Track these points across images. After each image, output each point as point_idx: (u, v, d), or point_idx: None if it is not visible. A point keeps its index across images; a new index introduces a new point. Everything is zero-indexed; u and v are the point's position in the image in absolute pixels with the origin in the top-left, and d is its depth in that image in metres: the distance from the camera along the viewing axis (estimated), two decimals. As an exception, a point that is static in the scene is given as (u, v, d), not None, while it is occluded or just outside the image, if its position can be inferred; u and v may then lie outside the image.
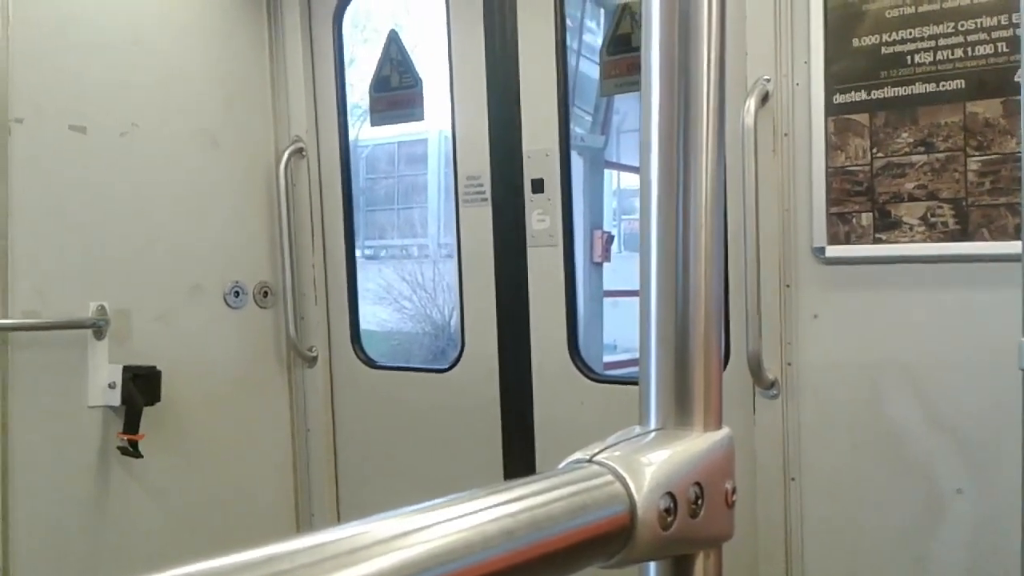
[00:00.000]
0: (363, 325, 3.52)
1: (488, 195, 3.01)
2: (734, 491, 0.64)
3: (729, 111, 0.77)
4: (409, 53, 3.29)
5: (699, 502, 0.60)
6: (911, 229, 2.27)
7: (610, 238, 6.35)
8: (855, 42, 2.32)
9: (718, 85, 0.65)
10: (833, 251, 2.37)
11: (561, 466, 0.59)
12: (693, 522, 0.60)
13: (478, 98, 3.00)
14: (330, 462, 3.45)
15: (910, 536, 2.29)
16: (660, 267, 0.64)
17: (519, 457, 3.00)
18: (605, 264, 6.18)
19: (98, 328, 2.82)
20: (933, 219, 2.25)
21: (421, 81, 3.27)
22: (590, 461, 0.58)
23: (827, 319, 2.38)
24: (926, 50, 2.24)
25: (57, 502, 2.78)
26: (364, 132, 3.74)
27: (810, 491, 2.41)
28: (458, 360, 3.15)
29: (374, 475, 3.38)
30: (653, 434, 0.63)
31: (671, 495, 0.58)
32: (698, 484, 0.60)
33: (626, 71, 2.72)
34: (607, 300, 6.61)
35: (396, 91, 3.28)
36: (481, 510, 0.51)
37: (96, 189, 2.88)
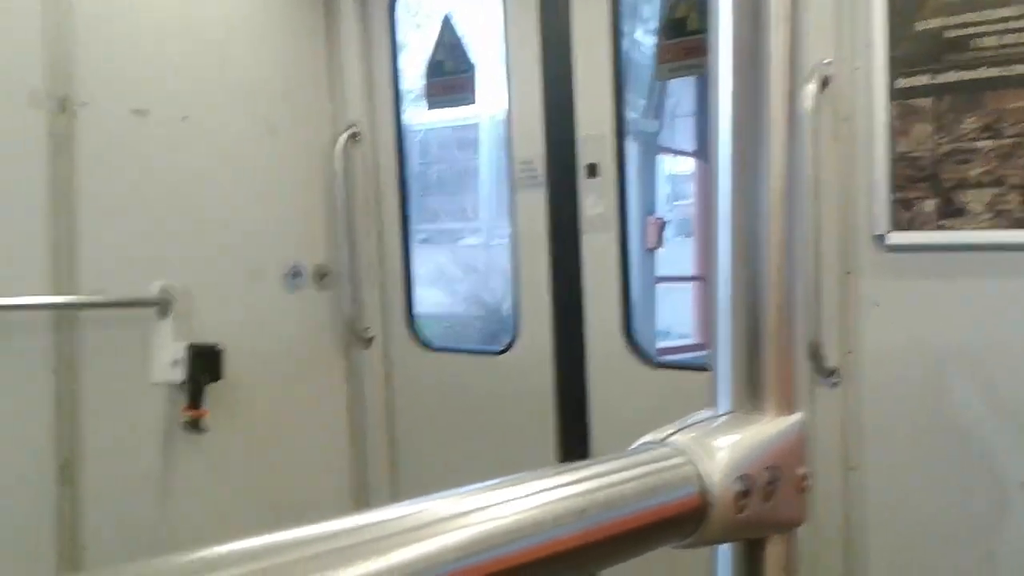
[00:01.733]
0: (420, 308, 3.55)
1: (542, 179, 3.01)
2: (807, 476, 0.64)
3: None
4: (462, 38, 3.30)
5: (773, 486, 0.61)
6: (976, 216, 2.22)
7: (663, 224, 6.32)
8: (918, 25, 2.27)
9: (789, 69, 0.65)
10: (895, 238, 2.33)
11: (632, 447, 0.59)
12: (766, 506, 0.60)
13: (532, 82, 3.00)
14: (386, 442, 3.49)
15: (976, 528, 2.25)
16: (733, 251, 0.64)
17: (573, 441, 3.02)
18: (658, 250, 6.14)
19: (162, 307, 2.88)
20: (1000, 206, 2.20)
21: (474, 66, 3.28)
22: (663, 443, 0.58)
23: (889, 307, 2.35)
24: (992, 33, 2.19)
25: (124, 474, 2.86)
26: (417, 117, 3.77)
27: (871, 481, 2.39)
28: (512, 343, 3.17)
29: (430, 456, 3.42)
30: (725, 417, 0.63)
31: (745, 478, 0.58)
32: (772, 468, 0.61)
33: (682, 55, 2.69)
34: (659, 287, 6.58)
35: (450, 76, 3.30)
36: (553, 488, 0.52)
37: (159, 172, 2.94)
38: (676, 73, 2.75)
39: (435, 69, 3.32)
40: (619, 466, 0.54)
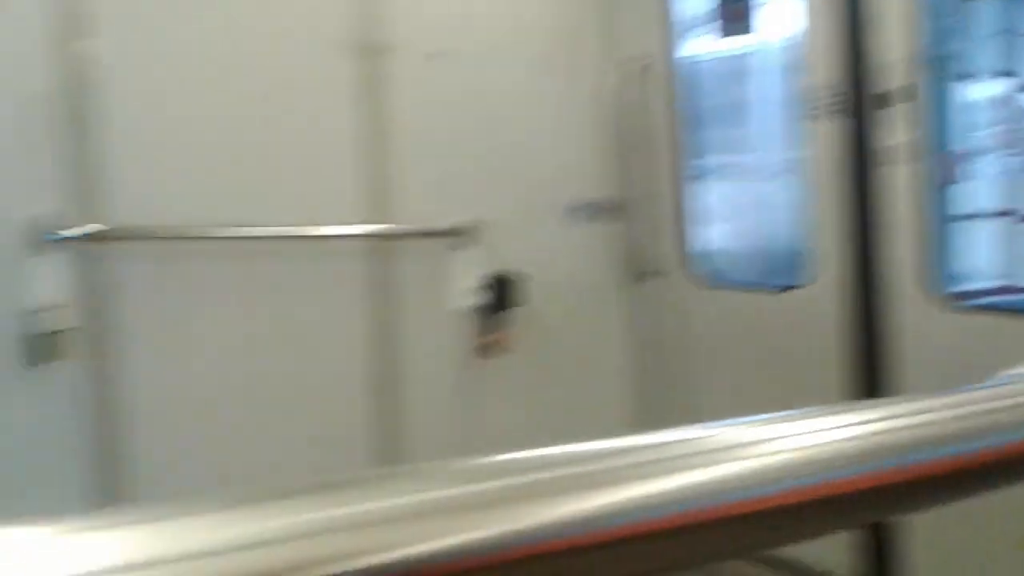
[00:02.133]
0: (699, 244, 3.53)
1: (837, 108, 2.86)
2: None
3: None
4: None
5: None
6: None
7: (962, 156, 5.76)
8: None
9: None
10: None
11: (1000, 378, 0.58)
12: None
13: (829, 5, 2.83)
14: (666, 377, 3.53)
15: None
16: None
17: (863, 386, 2.89)
18: (956, 185, 5.62)
19: (464, 238, 3.08)
20: None
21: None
22: (1037, 375, 0.57)
23: None
24: None
25: (430, 395, 3.10)
26: (700, 46, 3.69)
27: None
28: (800, 281, 3.07)
29: (708, 392, 3.42)
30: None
31: None
32: None
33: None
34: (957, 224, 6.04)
35: (738, 3, 3.19)
36: (928, 411, 0.52)
37: (456, 111, 3.11)
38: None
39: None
40: (998, 393, 0.54)
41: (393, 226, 2.99)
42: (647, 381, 3.55)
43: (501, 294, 3.11)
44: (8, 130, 2.37)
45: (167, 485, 2.55)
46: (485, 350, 3.11)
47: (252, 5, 2.81)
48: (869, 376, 2.87)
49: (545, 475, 0.49)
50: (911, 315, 2.76)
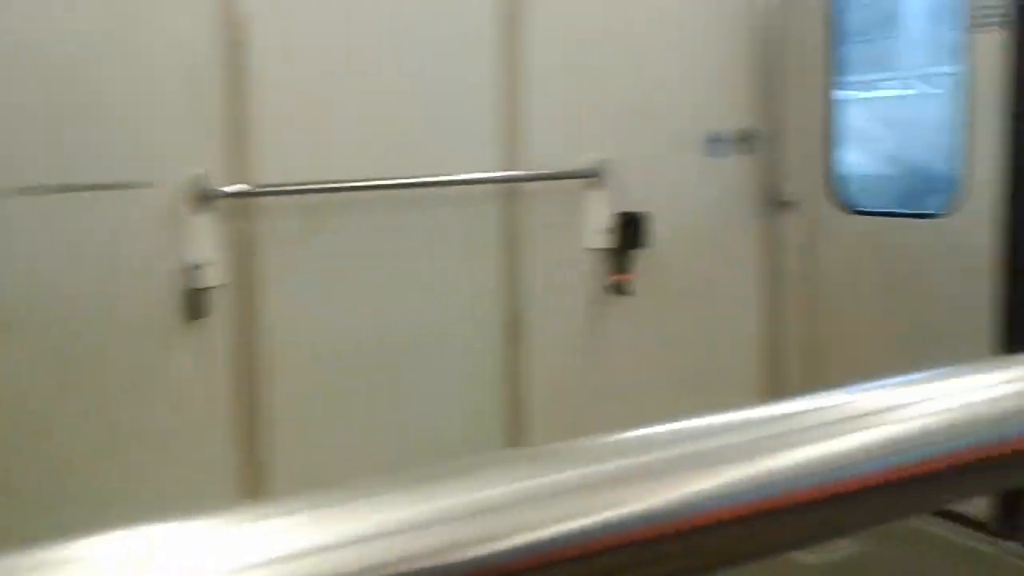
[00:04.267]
0: (844, 169, 3.37)
1: (1003, 17, 2.63)
2: None
3: None
4: None
5: None
6: None
7: None
8: None
9: None
10: None
11: None
12: None
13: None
14: (806, 312, 3.42)
15: None
16: None
17: (1019, 320, 2.71)
18: None
19: (595, 178, 3.05)
20: None
21: None
22: None
23: None
24: None
25: (560, 333, 3.12)
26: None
27: None
28: (953, 206, 2.89)
29: (852, 328, 3.29)
30: None
31: None
32: None
33: None
34: None
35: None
36: None
37: (592, 46, 3.04)
38: None
39: None
40: None
41: (526, 171, 2.98)
42: (785, 318, 3.45)
43: (634, 232, 3.07)
44: (173, 91, 2.48)
45: (305, 439, 2.68)
46: (619, 289, 3.09)
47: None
48: (1020, 313, 2.69)
49: (689, 448, 0.48)
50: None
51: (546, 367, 3.07)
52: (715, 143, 3.28)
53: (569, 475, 0.48)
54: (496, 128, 2.93)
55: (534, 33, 2.93)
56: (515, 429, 3.01)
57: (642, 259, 3.12)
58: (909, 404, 0.44)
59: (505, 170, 2.96)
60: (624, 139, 3.10)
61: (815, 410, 0.46)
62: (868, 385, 0.48)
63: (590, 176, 3.04)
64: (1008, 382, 0.46)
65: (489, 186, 2.99)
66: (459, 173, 2.90)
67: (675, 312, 3.28)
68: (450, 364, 2.93)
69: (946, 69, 3.03)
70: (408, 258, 2.85)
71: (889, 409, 0.44)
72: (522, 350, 3.03)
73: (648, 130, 3.16)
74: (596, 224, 3.08)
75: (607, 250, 3.11)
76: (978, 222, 2.79)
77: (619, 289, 3.11)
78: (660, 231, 3.14)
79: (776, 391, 3.43)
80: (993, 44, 2.67)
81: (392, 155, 2.78)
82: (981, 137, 2.77)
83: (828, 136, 3.29)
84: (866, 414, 0.44)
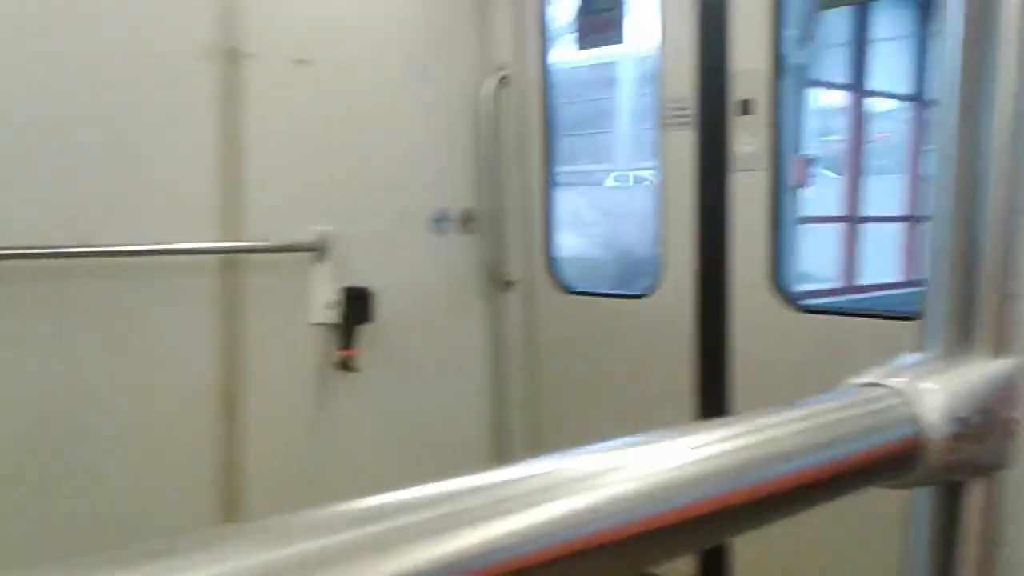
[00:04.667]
0: (561, 252, 3.57)
1: (692, 118, 2.95)
2: (1018, 421, 0.63)
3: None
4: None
5: (984, 429, 0.59)
6: None
7: (809, 162, 6.07)
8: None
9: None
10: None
11: (844, 388, 0.59)
12: (977, 448, 0.59)
13: (686, 17, 2.92)
14: (526, 384, 3.56)
15: None
16: (954, 190, 0.62)
17: (714, 386, 2.99)
18: (802, 190, 5.92)
19: (319, 251, 3.01)
20: None
21: (624, 2, 3.21)
22: (878, 384, 0.57)
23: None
24: None
25: (283, 410, 3.02)
26: (559, 57, 3.74)
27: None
28: (656, 287, 3.15)
29: (568, 397, 3.47)
30: (938, 359, 0.62)
31: (960, 420, 0.57)
32: (985, 412, 0.59)
33: (843, -17, 2.56)
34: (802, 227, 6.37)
35: (601, 13, 3.24)
36: (776, 425, 0.52)
37: (318, 120, 3.04)
38: (841, 1, 2.62)
39: (586, 7, 3.28)
40: (842, 405, 0.54)
41: (246, 242, 2.88)
42: (508, 391, 3.57)
43: (360, 307, 3.05)
44: None
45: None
46: (344, 364, 3.05)
47: (105, 7, 2.64)
48: (718, 377, 2.96)
49: (393, 523, 0.45)
50: (759, 317, 2.87)
51: (266, 446, 2.94)
52: (440, 222, 3.36)
53: (272, 555, 0.43)
54: (215, 197, 2.82)
55: (256, 102, 2.88)
56: (231, 511, 2.83)
57: (368, 335, 3.11)
58: (611, 470, 0.46)
59: (225, 241, 2.84)
60: (349, 214, 3.10)
61: (517, 480, 0.46)
62: (570, 452, 0.48)
63: (314, 250, 3.00)
64: (771, 427, 0.50)
65: (208, 257, 2.85)
66: (174, 242, 2.74)
67: (401, 387, 3.28)
68: (158, 445, 2.72)
69: (648, 164, 3.33)
70: (118, 330, 2.64)
71: (593, 475, 0.45)
72: (239, 428, 2.89)
73: (374, 206, 3.19)
74: (321, 299, 3.03)
75: (332, 325, 3.06)
76: (676, 301, 3.05)
77: (345, 365, 3.06)
78: (386, 306, 3.15)
79: (502, 461, 3.51)
80: (684, 142, 2.98)
81: (103, 218, 2.58)
82: (675, 225, 3.05)
83: (547, 221, 3.48)
84: (570, 481, 0.45)
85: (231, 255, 2.87)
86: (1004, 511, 0.66)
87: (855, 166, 8.01)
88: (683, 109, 2.97)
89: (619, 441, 0.47)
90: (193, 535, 0.42)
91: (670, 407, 3.04)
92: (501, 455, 3.49)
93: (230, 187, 2.84)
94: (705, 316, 3.00)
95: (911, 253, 8.38)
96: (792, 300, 2.84)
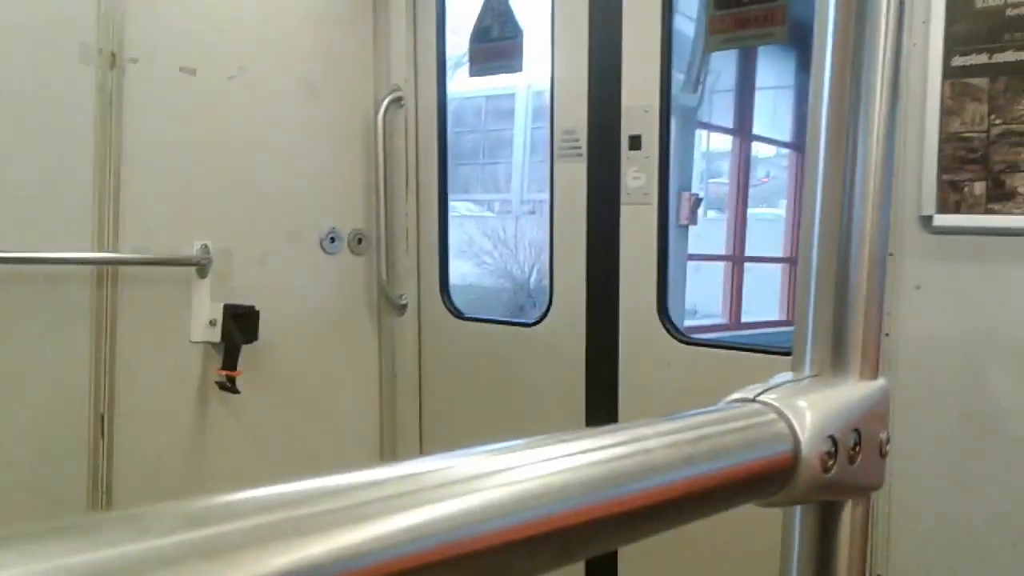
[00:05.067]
0: (453, 277, 3.56)
1: (584, 150, 3.00)
2: (888, 441, 0.64)
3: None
4: (510, 3, 3.27)
5: (856, 449, 0.60)
6: (1027, 200, 2.19)
7: (697, 201, 6.27)
8: (978, 2, 2.22)
9: (896, 36, 0.64)
10: (942, 220, 2.29)
11: (720, 404, 0.59)
12: (850, 468, 0.60)
13: (579, 51, 2.97)
14: (415, 408, 3.52)
15: (1007, 515, 2.23)
16: (824, 214, 0.63)
17: (601, 414, 3.02)
18: (690, 227, 6.11)
19: (201, 267, 2.91)
20: (1052, 191, 2.16)
21: (522, 32, 3.24)
22: (753, 400, 0.58)
23: (931, 290, 2.32)
24: (1055, 13, 2.14)
25: (158, 430, 2.90)
26: (455, 85, 3.76)
27: (904, 461, 2.37)
28: (546, 315, 3.17)
29: (458, 423, 3.44)
30: (811, 379, 0.63)
31: (833, 439, 0.58)
32: (856, 431, 0.61)
33: (733, 26, 2.66)
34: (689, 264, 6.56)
35: (496, 42, 3.27)
36: (649, 437, 0.51)
37: (203, 131, 2.95)
38: (728, 44, 2.72)
39: (481, 35, 3.30)
40: (717, 419, 0.54)
41: (124, 254, 2.76)
42: (398, 415, 3.52)
43: (242, 327, 2.96)
44: None
45: None
46: (226, 384, 2.94)
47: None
48: (607, 407, 3.00)
49: (245, 523, 0.42)
50: (648, 347, 2.92)
51: (139, 467, 2.82)
52: (330, 241, 3.30)
53: (141, 546, 0.39)
54: (90, 205, 2.70)
55: (137, 109, 2.78)
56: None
57: (252, 354, 3.01)
58: (566, 455, 0.46)
59: (100, 251, 2.72)
60: (235, 229, 3.02)
61: (388, 480, 0.44)
62: (444, 455, 0.47)
63: (197, 264, 2.90)
64: (649, 438, 0.49)
65: (82, 268, 2.72)
66: (46, 250, 2.61)
67: (286, 409, 3.19)
68: (25, 464, 2.58)
69: (541, 195, 3.35)
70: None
71: (466, 479, 0.44)
72: (113, 448, 2.76)
73: (261, 222, 3.11)
74: (202, 316, 2.93)
75: (214, 344, 2.95)
76: (567, 329, 3.08)
77: (226, 385, 2.96)
78: (272, 326, 3.06)
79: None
80: (576, 173, 3.02)
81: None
82: (566, 255, 3.08)
83: (442, 246, 3.47)
84: (439, 485, 0.44)
85: (107, 267, 2.74)
86: (876, 531, 0.67)
87: (741, 207, 8.32)
88: (576, 141, 3.02)
89: (484, 447, 0.46)
90: (58, 521, 0.39)
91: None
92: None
93: (107, 196, 2.73)
94: (595, 345, 3.03)
95: (791, 294, 8.74)
96: (679, 332, 2.90)
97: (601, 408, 3.02)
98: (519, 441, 0.46)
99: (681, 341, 2.89)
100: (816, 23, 0.66)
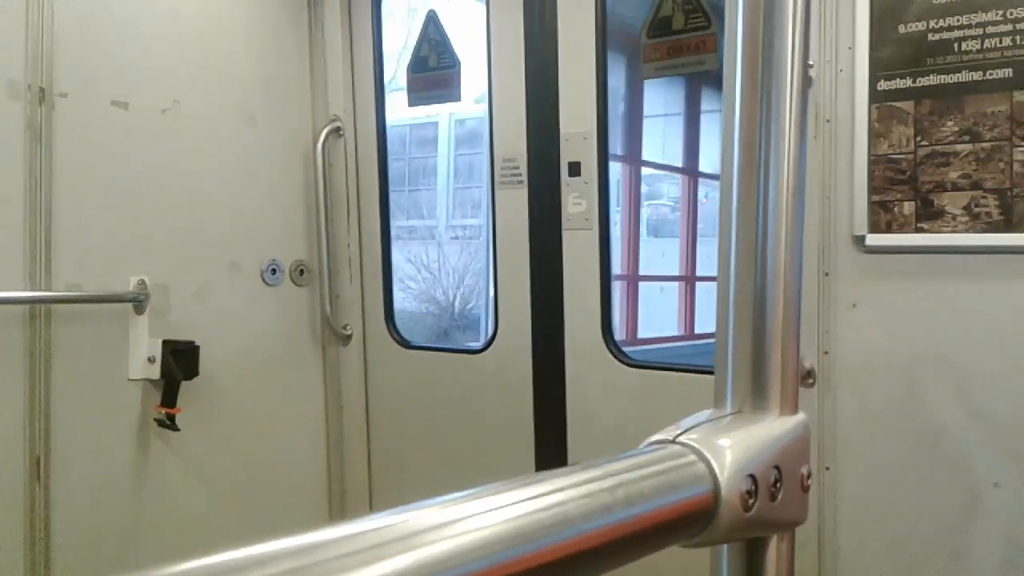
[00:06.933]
0: (397, 306, 3.54)
1: (524, 178, 3.01)
2: (809, 475, 0.65)
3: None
4: (447, 33, 3.28)
5: (778, 485, 0.61)
6: (954, 219, 2.25)
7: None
8: (901, 28, 2.29)
9: (802, 69, 0.65)
10: (874, 239, 2.35)
11: (642, 447, 0.59)
12: (772, 505, 0.60)
13: (516, 80, 2.99)
14: (363, 440, 3.48)
15: (947, 528, 2.28)
16: (740, 252, 0.64)
17: (550, 438, 3.02)
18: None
19: (139, 303, 2.85)
20: (977, 209, 2.23)
21: (459, 62, 3.26)
22: (673, 442, 0.58)
23: (866, 308, 2.37)
24: (973, 37, 2.21)
25: (97, 472, 2.82)
26: (403, 111, 3.75)
27: (845, 481, 2.41)
28: (491, 342, 3.16)
29: (407, 453, 3.41)
30: (731, 417, 0.64)
31: (752, 477, 0.58)
32: (777, 467, 0.61)
33: (666, 54, 2.70)
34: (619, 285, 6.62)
35: (434, 71, 3.28)
36: (564, 488, 0.51)
37: (138, 165, 2.91)
38: (661, 72, 2.76)
39: (418, 64, 3.31)
40: (634, 464, 0.54)
41: (57, 292, 2.70)
42: (345, 446, 3.48)
43: (183, 362, 2.91)
44: None
45: None
46: (165, 422, 2.88)
47: None
48: (555, 431, 3.00)
49: None
50: (593, 370, 2.93)
51: (80, 510, 2.75)
52: (271, 273, 3.26)
53: None
54: (20, 242, 2.63)
55: (68, 143, 2.73)
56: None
57: (194, 390, 2.96)
58: (494, 509, 0.45)
59: (32, 289, 2.65)
60: (172, 263, 2.97)
61: (369, 531, 0.43)
62: (403, 509, 0.46)
63: (133, 300, 2.84)
64: (574, 486, 0.50)
65: (13, 307, 2.65)
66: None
67: (230, 445, 3.14)
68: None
69: (468, 220, 3.36)
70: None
71: (419, 532, 0.44)
72: (51, 490, 2.68)
73: (199, 255, 3.06)
74: (141, 352, 2.87)
75: (153, 381, 2.89)
76: (513, 355, 3.07)
77: (165, 422, 2.90)
78: (214, 360, 3.01)
79: (339, 515, 3.40)
80: (517, 200, 3.03)
81: None
82: (510, 281, 3.09)
83: (384, 275, 3.45)
84: (400, 538, 0.43)
85: (40, 305, 2.68)
86: (800, 567, 0.68)
87: (633, 231, 8.43)
88: (516, 168, 3.03)
89: (391, 511, 0.45)
90: None
91: (510, 461, 3.04)
92: (339, 512, 3.38)
93: (38, 233, 2.66)
94: (541, 371, 3.03)
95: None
96: (623, 355, 2.92)
97: (550, 433, 3.02)
98: (431, 501, 0.46)
99: (626, 364, 2.91)
100: (725, 51, 0.67)
